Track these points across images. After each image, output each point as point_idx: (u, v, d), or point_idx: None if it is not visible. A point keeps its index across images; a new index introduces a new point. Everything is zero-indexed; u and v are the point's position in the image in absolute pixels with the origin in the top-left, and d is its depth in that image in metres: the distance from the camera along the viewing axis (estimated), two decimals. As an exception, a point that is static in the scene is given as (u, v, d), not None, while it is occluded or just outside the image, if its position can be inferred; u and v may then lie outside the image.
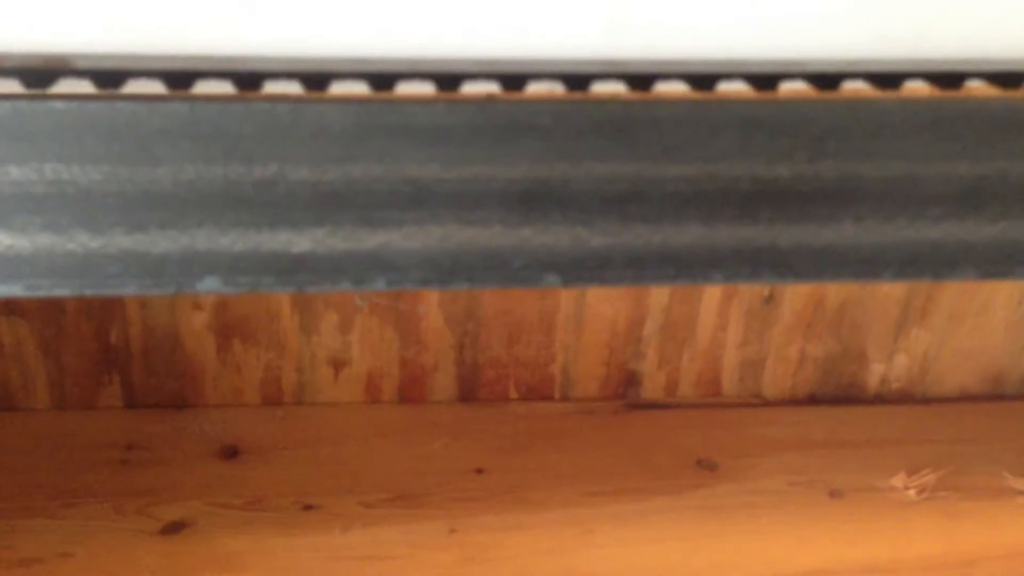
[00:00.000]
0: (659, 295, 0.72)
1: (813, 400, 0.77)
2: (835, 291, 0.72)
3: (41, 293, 0.25)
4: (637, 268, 0.28)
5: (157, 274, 0.25)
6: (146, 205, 0.24)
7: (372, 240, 0.26)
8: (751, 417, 0.76)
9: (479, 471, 0.69)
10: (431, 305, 0.71)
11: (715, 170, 0.27)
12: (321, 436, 0.71)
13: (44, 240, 0.24)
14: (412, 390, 0.74)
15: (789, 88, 0.30)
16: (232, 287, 0.25)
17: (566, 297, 0.72)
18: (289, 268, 0.26)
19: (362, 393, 0.74)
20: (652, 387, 0.76)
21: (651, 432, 0.74)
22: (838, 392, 0.77)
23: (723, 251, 0.27)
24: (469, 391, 0.75)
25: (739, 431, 0.74)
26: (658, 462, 0.71)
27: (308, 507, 0.65)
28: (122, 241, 0.24)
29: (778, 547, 0.64)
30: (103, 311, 0.70)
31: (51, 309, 0.69)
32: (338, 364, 0.73)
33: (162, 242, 0.25)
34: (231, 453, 0.69)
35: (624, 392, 0.76)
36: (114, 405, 0.72)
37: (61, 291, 0.25)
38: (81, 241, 0.24)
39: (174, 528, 0.62)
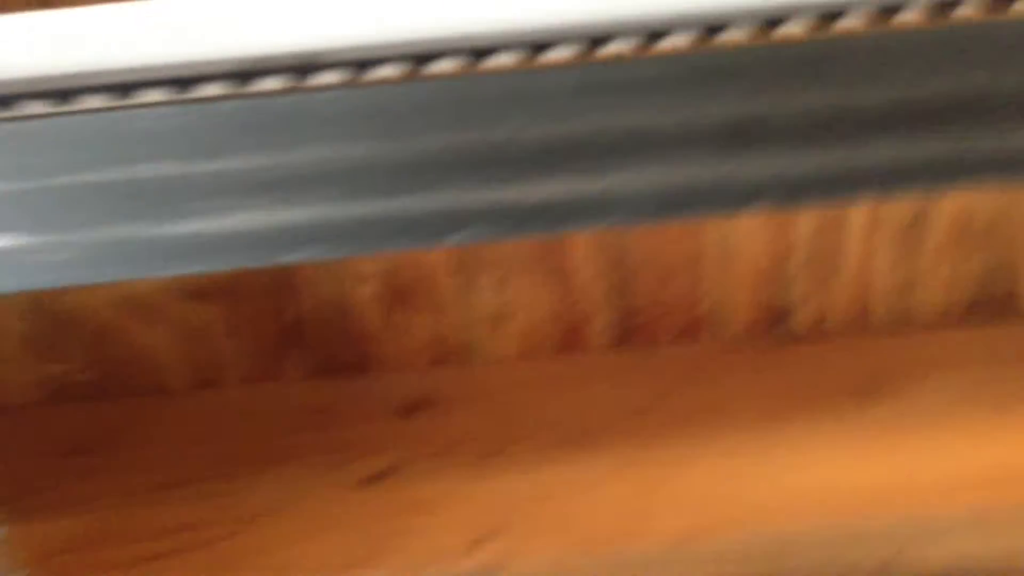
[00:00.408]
0: (804, 226, 0.74)
1: (968, 319, 0.77)
2: (984, 206, 0.73)
3: (332, 255, 0.29)
4: (838, 187, 0.30)
5: (419, 231, 0.29)
6: (408, 172, 0.28)
7: (599, 184, 0.29)
8: (906, 340, 0.77)
9: (642, 412, 0.72)
10: (582, 256, 0.74)
11: (903, 93, 0.29)
12: (489, 389, 0.75)
13: (334, 209, 0.28)
14: (569, 340, 0.78)
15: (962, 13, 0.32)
16: (484, 237, 0.29)
17: (712, 237, 0.74)
18: (531, 216, 0.29)
19: (522, 346, 0.78)
20: (803, 319, 0.77)
21: (807, 363, 0.75)
22: (993, 309, 0.77)
23: (917, 164, 0.30)
24: (624, 337, 0.78)
25: (895, 355, 0.75)
26: (817, 391, 0.73)
27: (487, 455, 0.69)
28: (389, 204, 0.28)
29: (947, 461, 0.65)
30: (279, 289, 0.75)
31: (232, 291, 0.75)
32: (498, 320, 0.76)
33: (422, 203, 0.28)
34: (410, 410, 0.74)
35: (776, 326, 0.78)
36: (298, 375, 0.78)
37: (347, 252, 0.29)
38: (361, 207, 0.28)
39: (371, 481, 0.68)
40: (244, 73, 0.28)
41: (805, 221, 0.74)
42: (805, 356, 0.76)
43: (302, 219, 0.29)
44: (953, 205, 0.73)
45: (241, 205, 0.29)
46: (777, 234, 0.74)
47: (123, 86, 0.29)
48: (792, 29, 0.30)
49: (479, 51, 0.28)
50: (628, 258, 0.75)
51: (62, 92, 0.30)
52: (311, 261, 0.30)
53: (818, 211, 0.74)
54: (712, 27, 0.29)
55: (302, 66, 0.28)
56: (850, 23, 0.30)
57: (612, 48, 0.29)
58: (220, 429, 0.74)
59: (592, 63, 0.28)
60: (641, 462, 0.68)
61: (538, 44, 0.28)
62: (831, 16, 0.30)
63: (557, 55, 0.28)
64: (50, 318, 0.75)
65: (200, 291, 0.75)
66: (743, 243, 0.75)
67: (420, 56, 0.28)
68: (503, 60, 0.28)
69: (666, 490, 0.66)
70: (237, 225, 0.30)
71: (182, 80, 0.29)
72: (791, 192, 0.30)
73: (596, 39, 0.29)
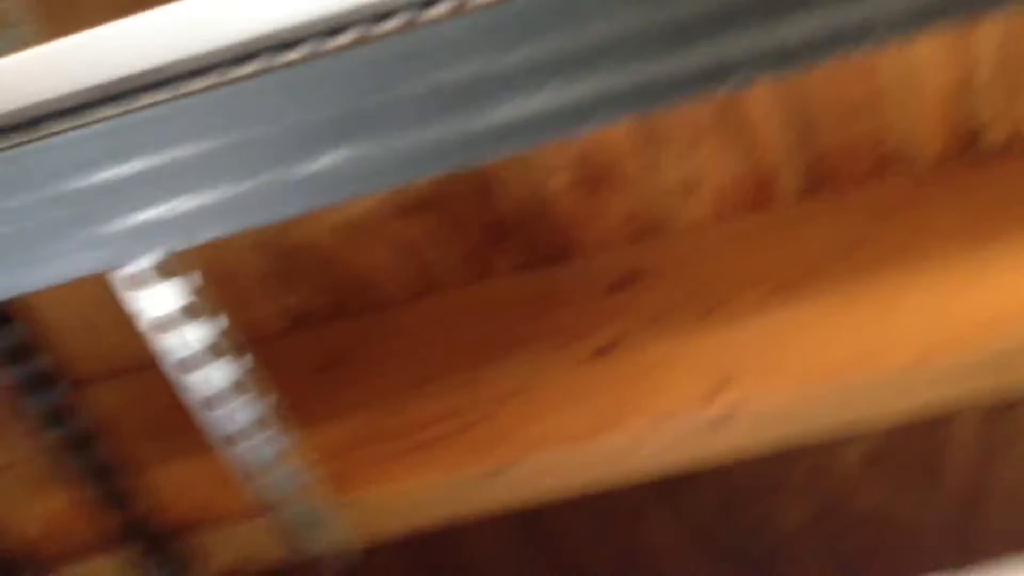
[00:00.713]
0: (987, 40, 0.73)
1: None
2: None
3: (630, 113, 0.33)
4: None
5: (696, 82, 0.32)
6: (677, 30, 0.31)
7: (859, 10, 0.31)
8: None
9: (846, 252, 0.74)
10: (762, 111, 0.76)
11: None
12: (692, 254, 0.78)
13: (621, 74, 0.32)
14: (761, 194, 0.80)
15: None
16: (756, 78, 0.32)
17: (891, 69, 0.74)
18: (796, 51, 0.32)
19: (716, 208, 0.80)
20: (996, 137, 0.77)
21: (1006, 180, 0.75)
22: None
23: None
24: (814, 184, 0.79)
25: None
26: (1020, 207, 0.73)
27: (705, 313, 0.73)
28: (666, 62, 0.32)
29: None
30: (478, 193, 0.80)
31: (436, 203, 0.80)
32: (689, 187, 0.79)
33: (695, 57, 0.32)
34: (621, 285, 0.78)
35: (969, 148, 0.77)
36: (508, 271, 0.83)
37: (642, 109, 0.33)
38: (643, 68, 0.32)
39: (600, 353, 0.73)
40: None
41: (987, 35, 0.73)
42: (1003, 174, 0.76)
43: (597, 88, 0.32)
44: None
45: (543, 85, 0.33)
46: (959, 54, 0.73)
47: (416, 4, 0.33)
48: None
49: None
50: (808, 105, 0.76)
51: (369, 18, 0.34)
52: (613, 124, 0.34)
53: (1000, 23, 0.72)
54: None
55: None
56: None
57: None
58: (449, 330, 0.80)
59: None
60: (857, 297, 0.70)
61: None
62: None
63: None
64: (281, 254, 0.82)
65: (408, 207, 0.81)
66: (924, 70, 0.74)
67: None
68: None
69: (887, 319, 0.68)
70: (541, 104, 0.34)
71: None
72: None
73: None
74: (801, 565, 0.89)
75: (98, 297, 0.78)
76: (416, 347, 0.80)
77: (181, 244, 0.44)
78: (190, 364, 0.61)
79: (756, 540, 0.87)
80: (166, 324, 0.60)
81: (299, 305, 0.84)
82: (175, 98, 0.37)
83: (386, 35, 0.35)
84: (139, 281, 0.58)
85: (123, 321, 0.79)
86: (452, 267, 0.83)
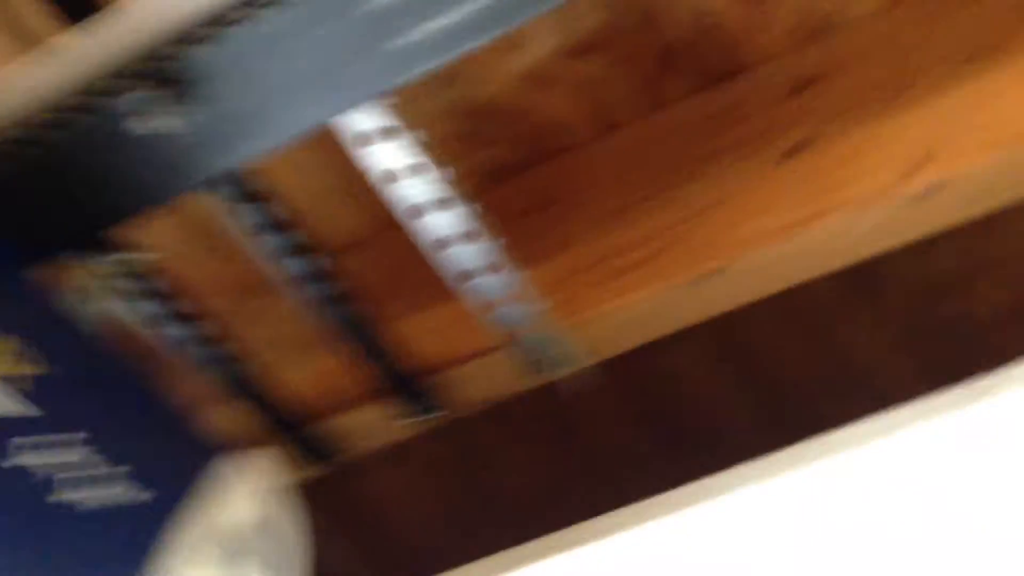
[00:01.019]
0: None
1: None
2: None
3: None
4: None
5: None
6: None
7: None
8: None
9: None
10: None
11: None
12: (866, 47, 0.79)
13: None
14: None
15: None
16: None
17: None
18: None
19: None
20: None
21: None
22: None
23: None
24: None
25: None
26: None
27: (890, 99, 0.74)
28: None
29: None
30: (644, 26, 0.82)
31: (605, 41, 0.83)
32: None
33: None
34: (800, 89, 0.80)
35: None
36: (684, 94, 0.86)
37: None
38: None
39: (791, 153, 0.75)
40: None
41: None
42: None
43: None
44: None
45: None
46: None
47: None
48: None
49: None
50: None
51: None
52: None
53: None
54: None
55: None
56: None
57: None
58: (638, 159, 0.84)
59: None
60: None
61: None
62: None
63: None
64: (468, 114, 0.87)
65: (578, 50, 0.84)
66: None
67: None
68: None
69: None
70: None
71: None
72: None
73: None
74: (1000, 353, 0.91)
75: (331, 174, 0.86)
76: (610, 180, 0.84)
77: (459, 52, 0.50)
78: (423, 214, 0.67)
79: (956, 329, 0.89)
80: (397, 177, 0.66)
81: (492, 160, 0.90)
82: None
83: None
84: (368, 140, 0.64)
85: (356, 192, 0.87)
86: (630, 101, 0.86)
